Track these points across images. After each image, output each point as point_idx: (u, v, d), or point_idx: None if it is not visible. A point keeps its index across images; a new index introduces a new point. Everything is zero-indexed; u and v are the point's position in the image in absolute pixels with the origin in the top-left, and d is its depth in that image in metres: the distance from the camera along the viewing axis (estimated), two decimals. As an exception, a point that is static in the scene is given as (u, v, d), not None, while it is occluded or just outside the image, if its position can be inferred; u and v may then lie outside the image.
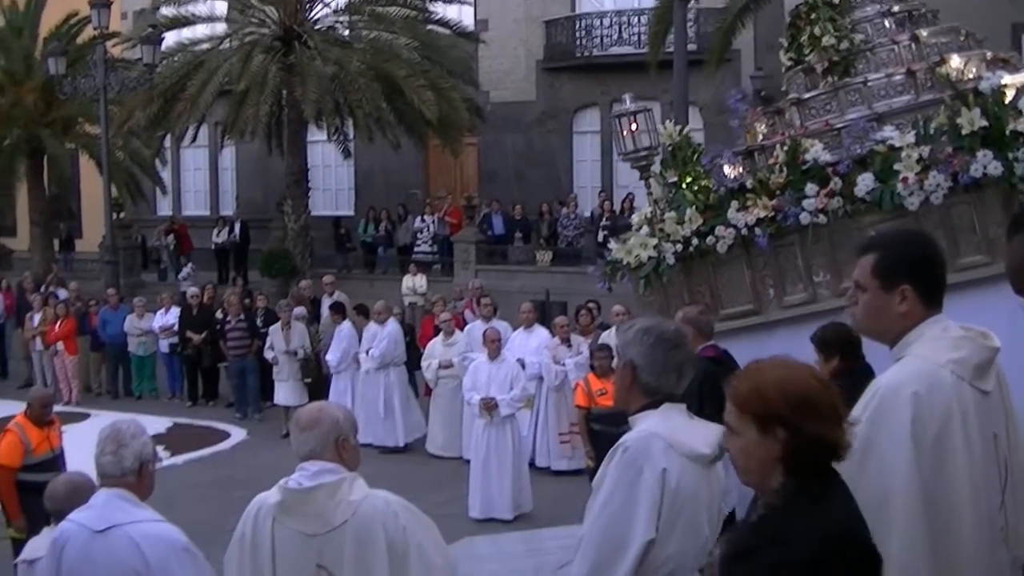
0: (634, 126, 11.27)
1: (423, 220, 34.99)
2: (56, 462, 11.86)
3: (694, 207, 10.62)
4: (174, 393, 25.78)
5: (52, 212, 39.54)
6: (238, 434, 21.89)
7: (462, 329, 20.42)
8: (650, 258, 10.85)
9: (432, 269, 33.05)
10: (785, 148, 10.38)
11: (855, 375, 8.48)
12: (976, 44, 10.83)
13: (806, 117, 10.81)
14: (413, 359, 21.15)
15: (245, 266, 36.19)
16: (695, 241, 10.61)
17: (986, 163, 9.22)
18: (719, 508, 5.58)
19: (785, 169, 10.27)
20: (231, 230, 37.17)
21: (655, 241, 10.84)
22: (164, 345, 25.62)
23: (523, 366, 16.92)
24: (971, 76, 10.00)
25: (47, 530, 7.75)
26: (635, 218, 11.53)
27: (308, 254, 34.09)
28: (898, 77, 10.44)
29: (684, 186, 10.90)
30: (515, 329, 19.26)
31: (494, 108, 36.38)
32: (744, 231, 10.33)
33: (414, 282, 30.21)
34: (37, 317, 26.65)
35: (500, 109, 36.66)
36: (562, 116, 37.67)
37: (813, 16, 10.98)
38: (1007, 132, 9.37)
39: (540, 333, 18.74)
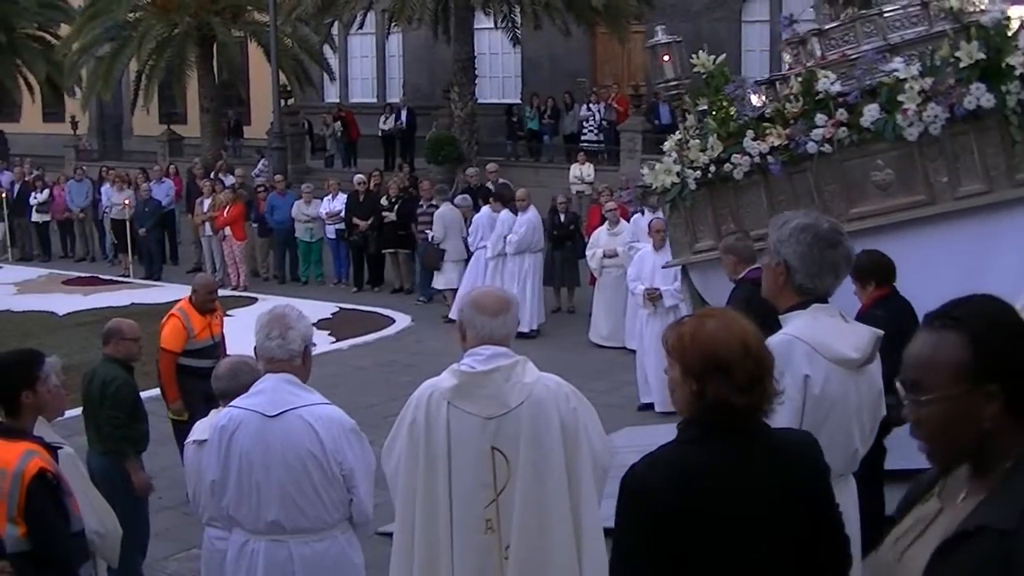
0: (666, 57, 11.52)
1: (589, 108, 34.70)
2: (216, 349, 11.99)
3: (715, 135, 10.82)
4: (340, 279, 26.04)
5: (221, 99, 40.02)
6: (403, 320, 21.99)
7: (628, 219, 20.22)
8: (673, 184, 11.14)
9: (598, 158, 32.71)
10: (800, 79, 10.57)
11: (891, 300, 8.74)
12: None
13: (827, 47, 10.98)
14: (578, 248, 21.20)
15: (412, 153, 36.30)
16: (713, 168, 10.84)
17: (979, 95, 9.37)
18: (873, 412, 5.40)
19: (801, 99, 10.43)
20: (398, 117, 37.32)
21: (679, 167, 11.08)
22: (331, 231, 25.81)
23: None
24: (977, 8, 10.09)
25: (215, 412, 7.80)
26: (667, 144, 11.67)
27: (474, 141, 34.06)
28: (912, 8, 10.47)
29: (712, 114, 11.04)
30: (681, 219, 18.93)
31: (662, -5, 35.81)
32: (757, 159, 10.53)
33: (581, 171, 29.97)
34: (207, 203, 27.05)
35: (668, -4, 36.08)
36: (731, 4, 36.92)
37: None
38: (1003, 65, 9.50)
39: (707, 224, 18.40)
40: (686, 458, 4.02)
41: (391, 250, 24.76)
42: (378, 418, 12.14)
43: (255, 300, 23.71)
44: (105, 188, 30.09)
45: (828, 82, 10.22)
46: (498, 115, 37.27)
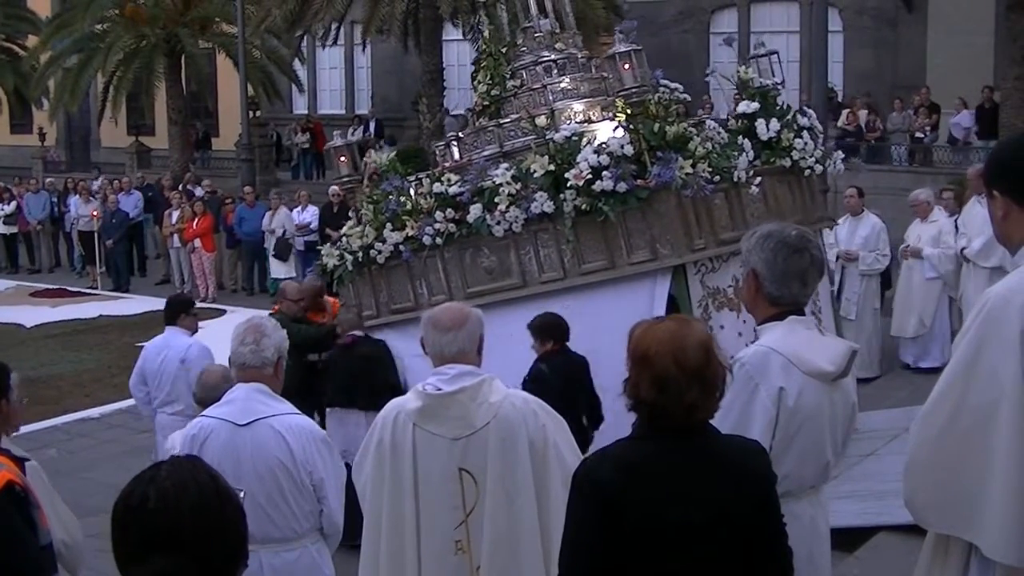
0: (343, 158, 13.12)
1: (558, 120, 34.66)
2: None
3: (369, 224, 12.33)
4: (308, 291, 25.94)
5: (189, 111, 39.96)
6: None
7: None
8: (335, 265, 12.82)
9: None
10: (428, 179, 12.17)
11: (557, 356, 10.06)
12: (619, 85, 11.66)
13: (463, 152, 12.52)
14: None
15: (380, 164, 36.18)
16: (360, 253, 12.42)
17: (542, 202, 10.95)
18: (846, 426, 5.40)
19: (432, 197, 11.88)
20: (366, 128, 37.26)
21: (339, 252, 12.77)
22: (300, 242, 25.71)
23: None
24: (565, 125, 11.47)
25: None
26: (344, 228, 13.12)
27: (443, 153, 34.00)
28: (524, 121, 11.92)
29: (373, 206, 12.51)
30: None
31: (630, 7, 35.82)
32: (391, 247, 12.08)
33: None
34: (175, 215, 26.97)
35: (636, 8, 36.05)
36: (699, 16, 37.05)
37: (483, 64, 13.04)
38: (564, 177, 10.95)
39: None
40: (632, 452, 4.19)
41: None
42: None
43: (223, 312, 23.63)
44: (73, 200, 30.01)
45: (444, 184, 11.69)
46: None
